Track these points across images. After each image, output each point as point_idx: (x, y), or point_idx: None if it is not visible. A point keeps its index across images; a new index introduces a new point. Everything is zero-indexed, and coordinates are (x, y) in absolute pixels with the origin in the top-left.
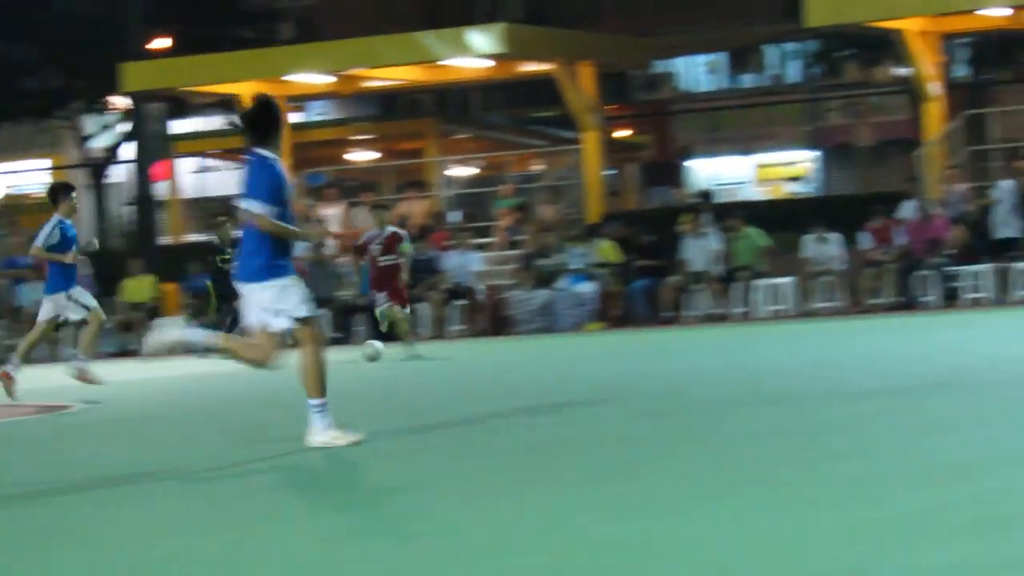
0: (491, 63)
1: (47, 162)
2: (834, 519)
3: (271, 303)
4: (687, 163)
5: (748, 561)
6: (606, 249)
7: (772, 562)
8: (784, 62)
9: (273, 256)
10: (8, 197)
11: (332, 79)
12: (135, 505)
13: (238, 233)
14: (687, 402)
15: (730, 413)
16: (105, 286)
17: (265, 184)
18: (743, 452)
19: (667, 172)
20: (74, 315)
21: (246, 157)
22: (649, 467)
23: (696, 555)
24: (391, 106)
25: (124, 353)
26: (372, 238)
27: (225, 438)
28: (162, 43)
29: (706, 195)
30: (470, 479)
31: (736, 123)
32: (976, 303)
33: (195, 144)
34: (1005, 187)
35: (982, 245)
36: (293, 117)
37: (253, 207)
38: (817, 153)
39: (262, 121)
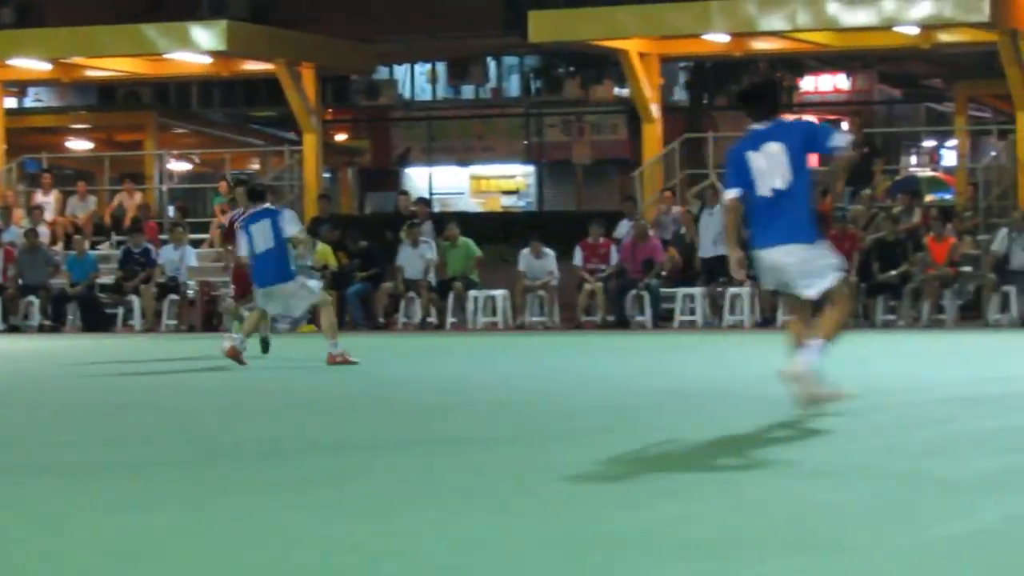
0: (212, 59)
1: None
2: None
3: None
4: (405, 170)
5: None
6: (323, 252)
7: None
8: (505, 76)
9: None
10: None
11: (51, 66)
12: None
13: None
14: None
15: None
16: None
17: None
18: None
19: (384, 178)
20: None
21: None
22: None
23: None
24: (111, 96)
25: None
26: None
27: None
28: None
29: (426, 203)
30: None
31: (454, 133)
32: (690, 325)
33: None
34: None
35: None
36: (9, 102)
37: None
38: (534, 168)
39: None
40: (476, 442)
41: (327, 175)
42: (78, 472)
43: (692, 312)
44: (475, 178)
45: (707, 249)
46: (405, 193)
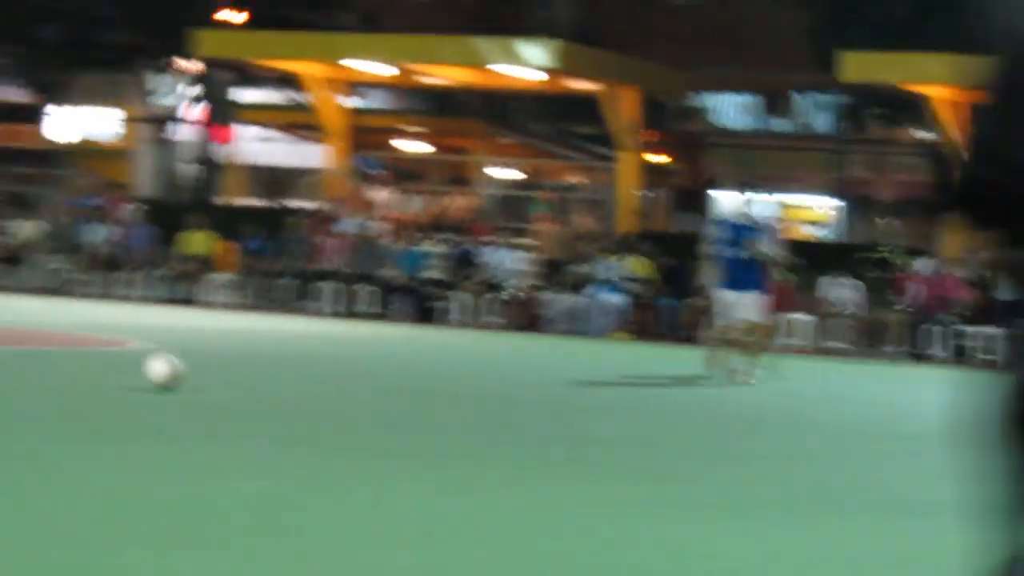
0: (541, 76)
1: (118, 112)
2: None
3: None
4: (714, 193)
5: None
6: (637, 264)
7: None
8: (814, 111)
9: None
10: (83, 141)
11: (390, 70)
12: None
13: None
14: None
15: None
16: (164, 236)
17: None
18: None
19: (695, 200)
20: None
21: None
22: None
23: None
24: (443, 103)
25: (179, 300)
26: None
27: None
28: (231, 15)
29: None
30: None
31: (764, 163)
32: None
33: (257, 114)
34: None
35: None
36: (350, 102)
37: None
38: (839, 201)
39: None
40: (779, 458)
41: (642, 193)
42: (393, 455)
43: (992, 352)
44: (785, 207)
45: (1005, 292)
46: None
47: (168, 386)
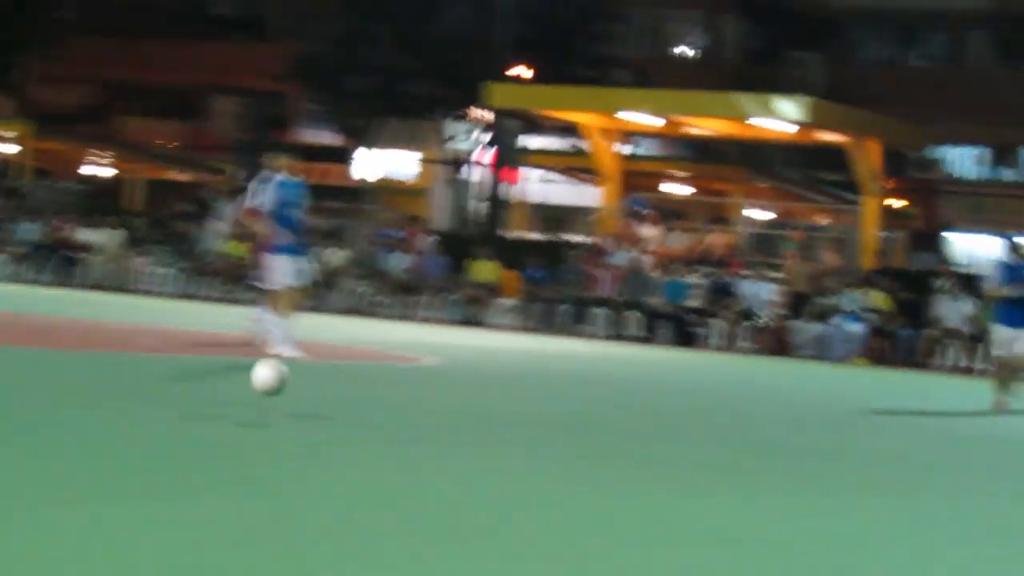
0: (794, 128)
1: (417, 155)
2: None
3: None
4: (948, 235)
5: None
6: (877, 297)
7: None
8: None
9: None
10: (386, 180)
11: (659, 121)
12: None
13: None
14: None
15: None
16: (456, 265)
17: None
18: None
19: (930, 241)
20: None
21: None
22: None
23: None
24: (705, 151)
25: (468, 322)
26: None
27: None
28: (521, 70)
29: (954, 266)
30: None
31: (993, 209)
32: None
33: (541, 158)
34: None
35: None
36: (623, 148)
37: None
38: None
39: None
40: None
41: (883, 234)
42: (657, 462)
43: None
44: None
45: None
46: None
47: (273, 392)
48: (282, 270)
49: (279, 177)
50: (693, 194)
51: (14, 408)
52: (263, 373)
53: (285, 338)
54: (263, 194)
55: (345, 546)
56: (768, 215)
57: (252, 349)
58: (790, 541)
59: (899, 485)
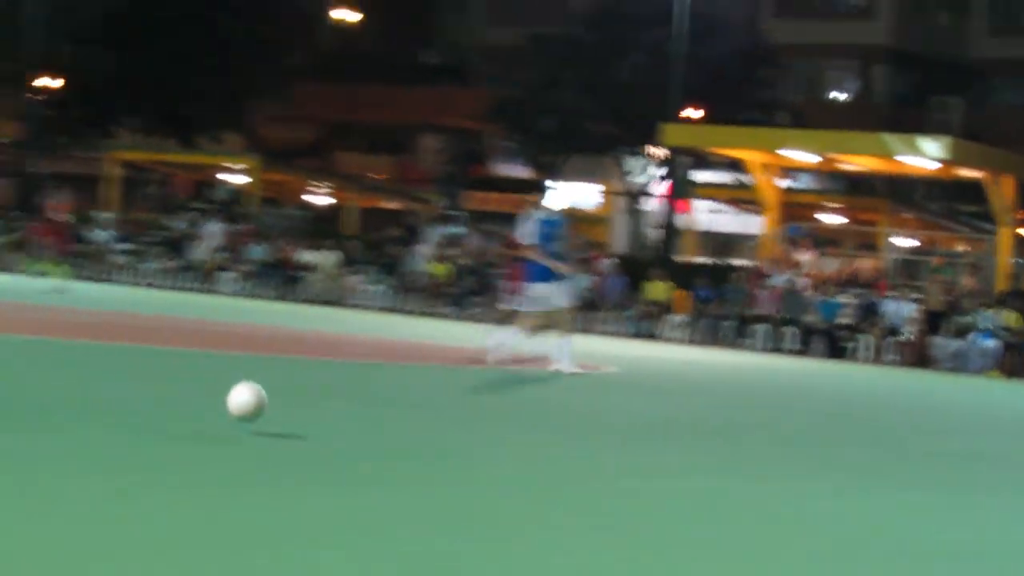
0: (936, 165)
1: (599, 187)
2: None
3: None
4: None
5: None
6: (1010, 317)
7: None
8: None
9: None
10: (572, 209)
11: (815, 158)
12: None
13: None
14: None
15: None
16: (632, 284)
17: None
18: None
19: None
20: None
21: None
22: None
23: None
24: (855, 184)
25: (643, 336)
26: None
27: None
28: (692, 112)
29: None
30: None
31: None
32: None
33: (709, 191)
34: None
35: None
36: (784, 182)
37: None
38: None
39: None
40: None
41: (1016, 260)
42: (815, 465)
43: None
44: None
45: None
46: None
47: (249, 417)
48: (542, 295)
49: (542, 214)
50: (844, 223)
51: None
52: (242, 397)
53: (567, 355)
54: (527, 227)
55: (602, 522)
56: (911, 243)
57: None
58: (930, 529)
59: None
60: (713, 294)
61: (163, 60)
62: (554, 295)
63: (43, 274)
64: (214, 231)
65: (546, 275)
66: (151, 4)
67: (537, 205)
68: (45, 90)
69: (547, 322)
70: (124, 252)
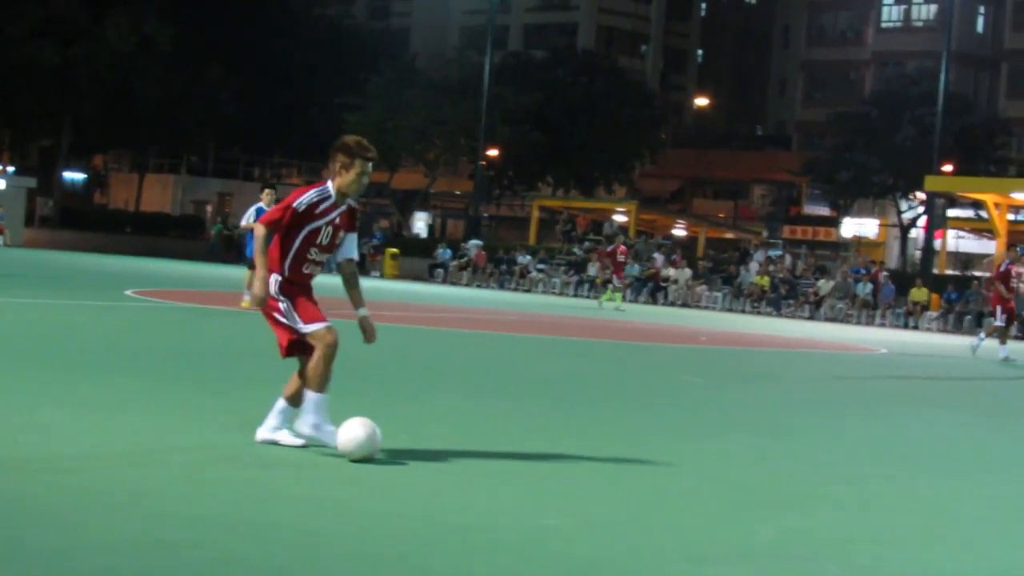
0: None
1: (877, 221)
2: None
3: None
4: None
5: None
6: None
7: None
8: None
9: None
10: (857, 237)
11: None
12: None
13: None
14: None
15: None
16: (900, 290)
17: None
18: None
19: None
20: None
21: None
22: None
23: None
24: None
25: (908, 327)
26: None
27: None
28: (947, 167)
29: None
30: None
31: None
32: None
33: (956, 223)
34: None
35: None
36: (1012, 216)
37: None
38: None
39: None
40: None
41: None
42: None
43: None
44: None
45: None
46: None
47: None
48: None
49: None
50: None
51: None
52: (355, 433)
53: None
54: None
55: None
56: None
57: None
58: None
59: None
60: (958, 296)
61: (573, 137)
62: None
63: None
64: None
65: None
66: (564, 98)
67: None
68: (489, 158)
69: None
70: (540, 271)
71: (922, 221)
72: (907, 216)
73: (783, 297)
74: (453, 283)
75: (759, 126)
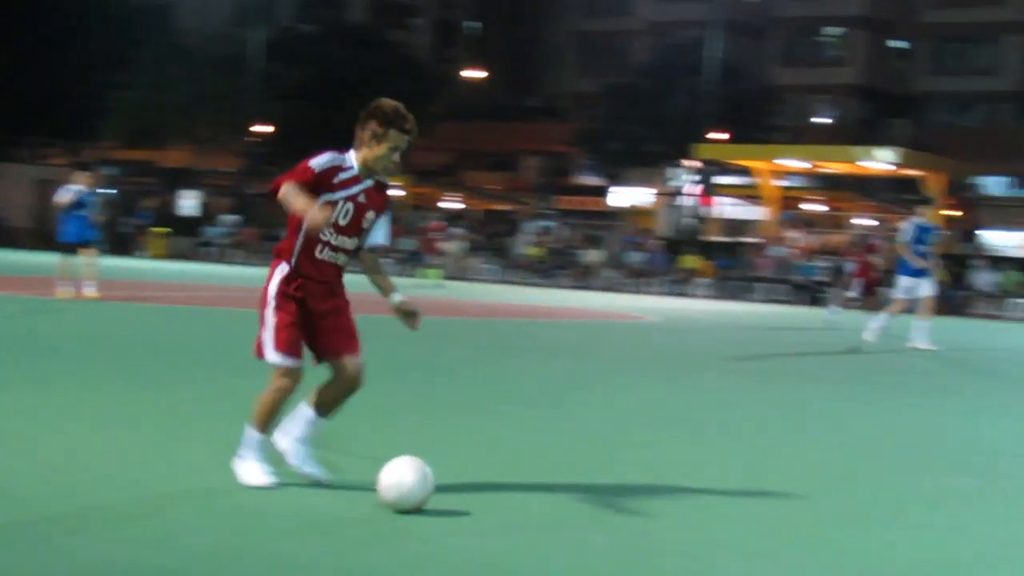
0: (889, 167)
1: (650, 189)
2: None
3: None
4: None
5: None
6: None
7: None
8: None
9: None
10: (631, 206)
11: (804, 164)
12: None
13: None
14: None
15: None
16: (671, 259)
17: None
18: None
19: (970, 236)
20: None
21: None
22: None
23: None
24: (832, 182)
25: (676, 295)
26: None
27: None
28: (717, 135)
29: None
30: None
31: (1016, 216)
32: None
33: (726, 190)
34: None
35: None
36: (779, 182)
37: None
38: None
39: None
40: None
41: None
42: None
43: None
44: None
45: None
46: None
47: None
48: (908, 286)
49: (919, 220)
50: (823, 211)
51: None
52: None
53: (925, 335)
54: (906, 230)
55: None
56: (871, 222)
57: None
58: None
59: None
60: (729, 263)
61: (345, 112)
62: (918, 287)
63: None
64: None
65: (916, 272)
66: (335, 72)
67: (918, 213)
68: (262, 135)
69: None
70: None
71: (693, 189)
72: (678, 184)
73: (557, 267)
74: (229, 262)
75: (533, 98)
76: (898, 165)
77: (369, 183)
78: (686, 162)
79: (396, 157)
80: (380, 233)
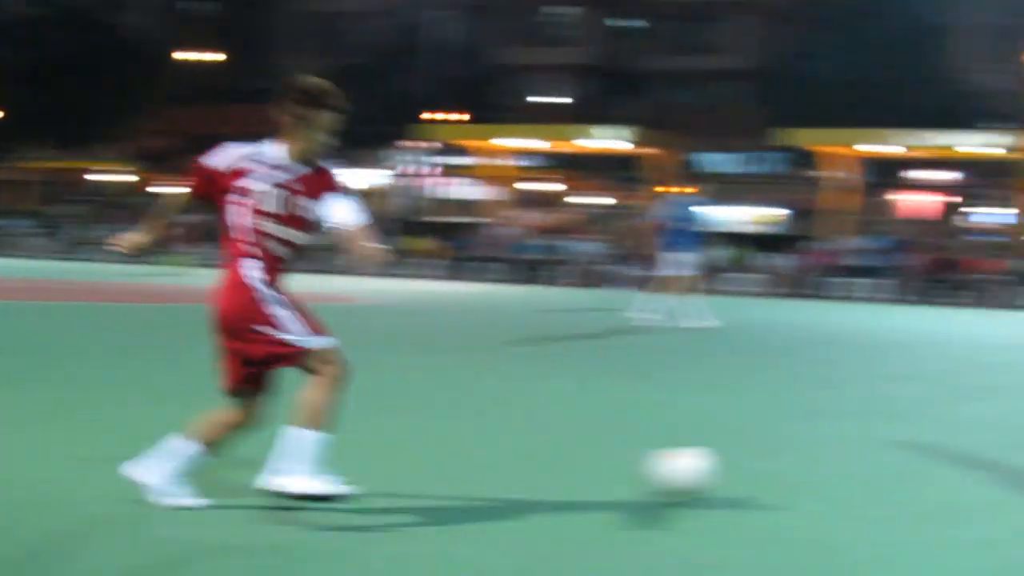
0: (611, 145)
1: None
2: None
3: None
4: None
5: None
6: None
7: None
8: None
9: None
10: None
11: (521, 143)
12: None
13: None
14: None
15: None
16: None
17: None
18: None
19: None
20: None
21: None
22: None
23: None
24: (548, 160)
25: (399, 276)
26: None
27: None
28: (433, 116)
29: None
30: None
31: (740, 191)
32: None
33: (448, 170)
34: None
35: None
36: (499, 162)
37: None
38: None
39: None
40: None
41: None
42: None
43: None
44: None
45: None
46: None
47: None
48: (669, 263)
49: (679, 198)
50: (544, 189)
51: None
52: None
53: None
54: (663, 210)
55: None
56: (598, 200)
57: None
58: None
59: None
60: (461, 243)
61: (64, 96)
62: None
63: None
64: None
65: (676, 247)
66: (54, 56)
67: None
68: None
69: None
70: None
71: (421, 170)
72: (405, 166)
73: None
74: None
75: (263, 80)
76: (622, 142)
77: (304, 169)
78: (405, 143)
79: (327, 137)
80: (346, 212)
